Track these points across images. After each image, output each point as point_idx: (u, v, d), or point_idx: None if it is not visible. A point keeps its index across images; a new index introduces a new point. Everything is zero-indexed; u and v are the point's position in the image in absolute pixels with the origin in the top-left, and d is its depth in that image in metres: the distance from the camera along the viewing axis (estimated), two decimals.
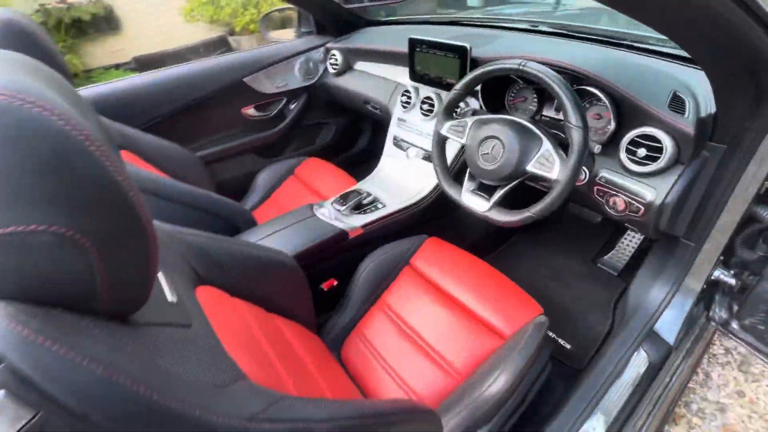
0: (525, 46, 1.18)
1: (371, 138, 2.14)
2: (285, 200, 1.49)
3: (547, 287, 1.42)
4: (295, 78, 1.73)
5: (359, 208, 1.22)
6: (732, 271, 0.96)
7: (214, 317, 0.52)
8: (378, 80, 1.53)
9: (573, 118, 0.77)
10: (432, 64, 1.21)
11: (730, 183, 0.81)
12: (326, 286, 1.08)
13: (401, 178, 1.35)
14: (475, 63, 1.11)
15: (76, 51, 4.76)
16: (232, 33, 4.76)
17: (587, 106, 0.97)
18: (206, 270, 0.63)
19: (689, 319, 0.97)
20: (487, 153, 0.88)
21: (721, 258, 0.94)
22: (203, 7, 4.53)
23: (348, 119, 2.01)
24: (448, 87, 1.20)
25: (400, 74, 1.43)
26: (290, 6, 1.83)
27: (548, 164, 0.81)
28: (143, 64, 4.87)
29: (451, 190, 1.00)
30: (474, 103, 1.15)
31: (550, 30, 1.25)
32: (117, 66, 5.04)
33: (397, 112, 1.39)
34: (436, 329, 0.90)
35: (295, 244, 1.04)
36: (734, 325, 1.03)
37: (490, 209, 0.91)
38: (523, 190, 0.93)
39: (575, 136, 0.77)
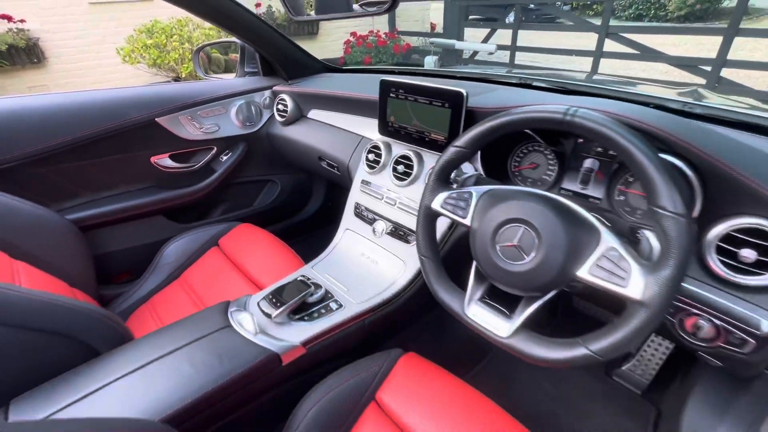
0: (541, 98, 0.89)
1: (325, 200, 1.78)
2: (199, 283, 1.06)
3: (554, 414, 1.05)
4: (230, 124, 1.36)
5: (303, 310, 0.81)
6: None
7: None
8: (337, 132, 1.21)
9: (668, 200, 0.46)
10: (411, 114, 0.91)
11: None
12: None
13: (365, 263, 0.97)
14: (472, 116, 0.82)
15: None
16: (177, 79, 4.41)
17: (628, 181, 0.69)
18: None
19: None
20: (510, 245, 0.55)
21: None
22: (146, 50, 4.16)
23: (297, 177, 1.65)
24: (432, 144, 0.89)
25: (366, 126, 1.12)
26: (231, 41, 1.52)
27: (618, 273, 0.48)
28: None
29: (447, 298, 0.64)
30: (468, 169, 0.85)
31: (572, 88, 0.92)
32: None
33: (360, 172, 1.06)
34: None
35: (178, 391, 0.59)
36: None
37: (514, 335, 0.56)
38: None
39: (672, 230, 0.46)
